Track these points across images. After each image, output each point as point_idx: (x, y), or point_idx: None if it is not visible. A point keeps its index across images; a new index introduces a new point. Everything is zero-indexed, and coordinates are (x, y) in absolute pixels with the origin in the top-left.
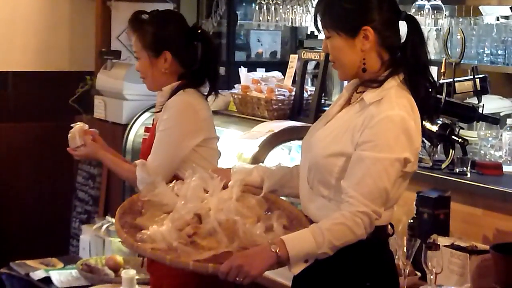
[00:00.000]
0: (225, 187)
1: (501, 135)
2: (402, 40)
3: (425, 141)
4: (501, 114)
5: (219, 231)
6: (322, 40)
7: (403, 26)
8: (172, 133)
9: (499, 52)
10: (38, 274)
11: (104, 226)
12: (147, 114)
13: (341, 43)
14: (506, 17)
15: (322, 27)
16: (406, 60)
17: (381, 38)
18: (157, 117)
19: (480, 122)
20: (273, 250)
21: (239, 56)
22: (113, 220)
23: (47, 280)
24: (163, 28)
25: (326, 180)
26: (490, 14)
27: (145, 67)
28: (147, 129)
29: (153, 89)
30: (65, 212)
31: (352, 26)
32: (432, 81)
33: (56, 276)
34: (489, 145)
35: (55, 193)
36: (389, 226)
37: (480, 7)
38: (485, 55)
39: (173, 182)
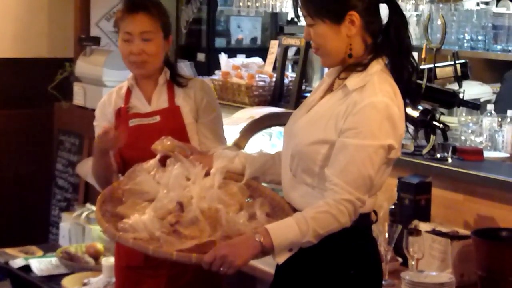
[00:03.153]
0: (207, 173)
1: (482, 121)
2: (384, 23)
3: (409, 125)
4: (481, 100)
5: (202, 220)
6: (303, 26)
7: (383, 9)
8: (221, 120)
9: (479, 37)
10: (17, 262)
11: (84, 214)
12: None
13: (326, 30)
14: (486, 3)
15: (305, 15)
16: (390, 42)
17: (365, 22)
18: (156, 100)
19: (461, 107)
20: (257, 239)
21: (219, 42)
22: (93, 207)
23: (26, 268)
24: (167, 12)
25: (309, 168)
26: None
27: (159, 48)
28: (140, 115)
29: (149, 71)
30: (45, 200)
31: (337, 12)
32: (414, 64)
33: (36, 264)
34: (469, 131)
35: (34, 180)
36: (372, 213)
37: None
38: (465, 40)
39: (154, 169)
